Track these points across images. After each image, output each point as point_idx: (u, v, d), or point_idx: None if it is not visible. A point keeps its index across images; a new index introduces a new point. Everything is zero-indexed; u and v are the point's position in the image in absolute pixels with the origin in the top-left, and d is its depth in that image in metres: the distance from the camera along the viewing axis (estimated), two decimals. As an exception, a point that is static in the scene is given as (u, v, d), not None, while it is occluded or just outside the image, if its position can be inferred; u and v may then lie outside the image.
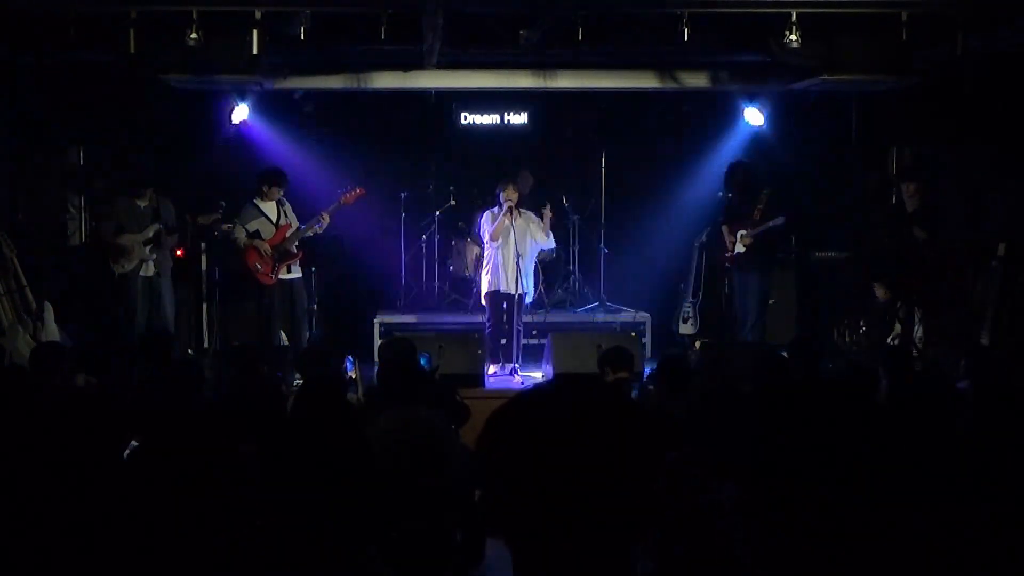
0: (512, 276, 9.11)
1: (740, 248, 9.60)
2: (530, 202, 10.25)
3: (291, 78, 9.45)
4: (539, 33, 7.87)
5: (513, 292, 9.12)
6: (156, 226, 9.01)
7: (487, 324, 9.31)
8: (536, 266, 9.89)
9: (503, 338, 9.19)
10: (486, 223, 9.23)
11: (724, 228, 9.81)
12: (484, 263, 9.45)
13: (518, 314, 9.16)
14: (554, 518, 1.48)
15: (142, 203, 9.08)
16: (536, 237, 9.27)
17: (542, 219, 9.32)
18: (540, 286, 10.30)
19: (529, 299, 9.43)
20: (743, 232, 9.54)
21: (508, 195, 9.11)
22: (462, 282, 10.80)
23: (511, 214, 9.10)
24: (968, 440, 4.11)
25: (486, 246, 9.35)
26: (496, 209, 9.19)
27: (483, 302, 9.49)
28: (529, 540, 1.50)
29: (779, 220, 9.42)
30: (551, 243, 9.59)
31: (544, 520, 1.49)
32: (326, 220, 9.04)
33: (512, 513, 1.51)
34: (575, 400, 1.55)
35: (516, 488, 1.50)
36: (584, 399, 1.55)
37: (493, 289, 9.24)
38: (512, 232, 9.09)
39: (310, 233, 9.12)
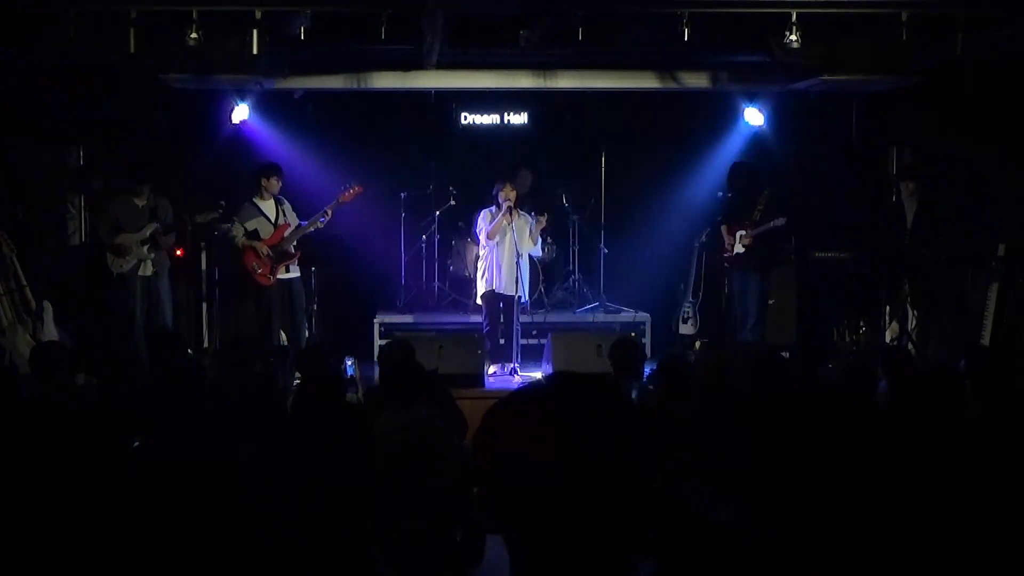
0: (510, 277, 9.10)
1: (739, 248, 9.62)
2: (529, 201, 10.24)
3: (291, 78, 9.43)
4: (538, 33, 7.86)
5: (510, 293, 9.11)
6: (153, 225, 9.01)
7: (484, 324, 9.30)
8: (535, 266, 9.85)
9: (502, 338, 9.18)
10: (483, 222, 9.22)
11: (723, 228, 9.84)
12: (480, 262, 9.43)
13: (516, 314, 9.15)
14: (550, 514, 1.49)
15: (139, 202, 9.07)
16: (525, 241, 9.25)
17: (536, 224, 9.33)
18: (540, 286, 10.29)
19: (524, 299, 9.40)
20: (742, 232, 9.57)
21: (506, 194, 9.09)
22: (462, 282, 10.79)
23: (510, 214, 9.09)
24: (968, 440, 4.11)
25: (482, 245, 9.33)
26: (494, 208, 9.18)
27: (479, 302, 9.49)
28: (526, 536, 1.51)
29: (780, 221, 9.43)
30: (537, 250, 9.60)
31: (540, 516, 1.49)
32: (329, 215, 9.04)
33: (508, 509, 1.51)
34: (571, 397, 1.55)
35: (511, 484, 1.51)
36: (581, 396, 1.56)
37: (489, 289, 9.23)
38: (511, 232, 9.08)
39: (312, 228, 9.10)
